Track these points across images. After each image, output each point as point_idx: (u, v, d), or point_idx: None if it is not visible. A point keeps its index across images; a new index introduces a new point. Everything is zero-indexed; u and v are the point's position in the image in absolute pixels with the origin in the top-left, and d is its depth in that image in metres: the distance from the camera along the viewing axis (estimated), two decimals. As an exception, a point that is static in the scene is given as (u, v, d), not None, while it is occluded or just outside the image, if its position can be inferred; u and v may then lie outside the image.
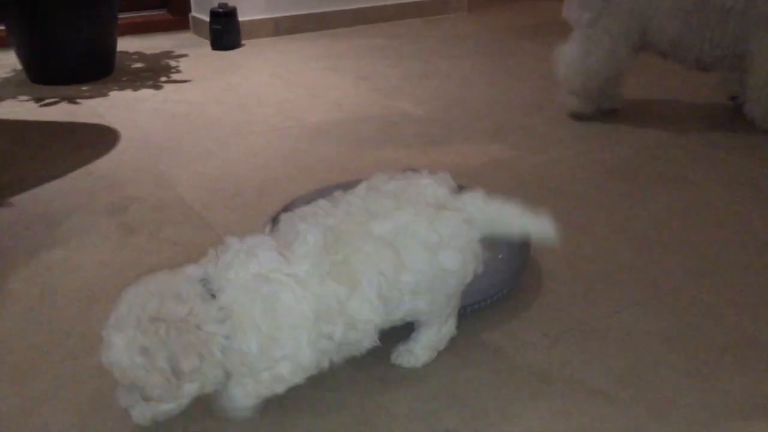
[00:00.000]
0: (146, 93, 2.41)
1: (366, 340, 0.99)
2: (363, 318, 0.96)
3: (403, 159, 1.84)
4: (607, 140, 1.99)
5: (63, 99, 2.31)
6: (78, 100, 2.31)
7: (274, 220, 1.13)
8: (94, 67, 2.54)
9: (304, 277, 0.93)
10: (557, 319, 1.20)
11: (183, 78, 2.57)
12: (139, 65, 2.72)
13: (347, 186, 1.46)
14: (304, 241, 0.95)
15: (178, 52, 2.89)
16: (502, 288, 1.21)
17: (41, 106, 2.27)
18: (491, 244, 1.24)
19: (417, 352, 1.09)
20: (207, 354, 0.89)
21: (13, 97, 2.35)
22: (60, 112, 2.22)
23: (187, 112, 2.22)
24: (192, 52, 2.89)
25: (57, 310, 1.25)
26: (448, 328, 1.10)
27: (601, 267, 1.36)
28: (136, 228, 1.52)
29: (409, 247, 0.98)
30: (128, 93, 2.40)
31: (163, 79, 2.55)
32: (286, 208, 1.37)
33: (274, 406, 1.00)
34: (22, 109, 2.25)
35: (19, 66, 2.55)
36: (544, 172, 1.78)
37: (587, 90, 2.07)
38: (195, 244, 1.45)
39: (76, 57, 2.50)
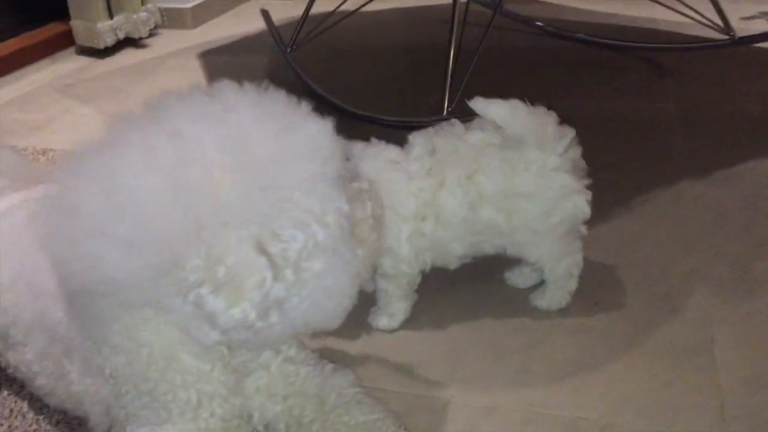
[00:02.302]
0: None
1: (455, 244, 1.09)
2: (449, 209, 1.05)
3: None
4: None
5: None
6: None
7: None
8: None
9: (414, 174, 1.06)
10: None
11: None
12: None
13: None
14: (412, 145, 1.09)
15: None
16: None
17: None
18: None
19: (548, 296, 1.15)
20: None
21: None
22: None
23: None
24: None
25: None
26: (564, 267, 1.12)
27: None
28: None
29: (488, 158, 1.06)
30: None
31: None
32: None
33: None
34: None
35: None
36: None
37: None
38: None
39: None
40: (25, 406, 1.01)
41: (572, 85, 1.98)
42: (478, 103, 1.07)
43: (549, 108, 1.09)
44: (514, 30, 2.39)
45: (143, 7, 2.49)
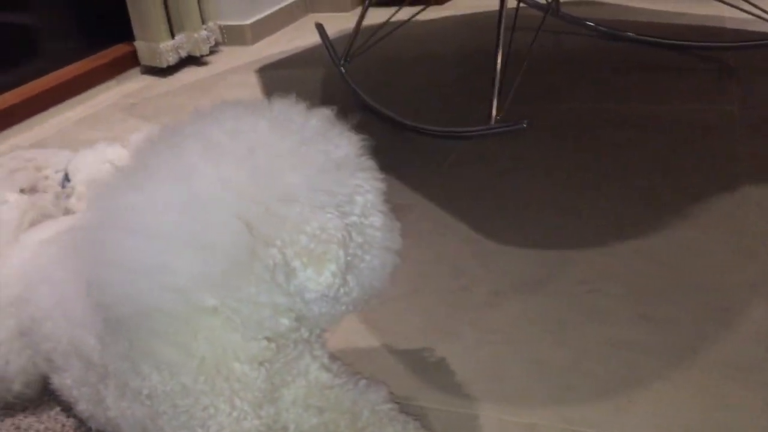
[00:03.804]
0: None
1: None
2: None
3: None
4: None
5: None
6: None
7: None
8: None
9: None
10: None
11: None
12: None
13: None
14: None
15: None
16: None
17: None
18: None
19: None
20: None
21: None
22: None
23: None
24: None
25: None
26: None
27: None
28: None
29: None
30: None
31: None
32: None
33: None
34: None
35: None
36: None
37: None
38: None
39: None
40: (74, 422, 1.04)
41: (629, 88, 1.92)
42: None
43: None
44: (569, 33, 2.34)
45: (204, 26, 2.56)
